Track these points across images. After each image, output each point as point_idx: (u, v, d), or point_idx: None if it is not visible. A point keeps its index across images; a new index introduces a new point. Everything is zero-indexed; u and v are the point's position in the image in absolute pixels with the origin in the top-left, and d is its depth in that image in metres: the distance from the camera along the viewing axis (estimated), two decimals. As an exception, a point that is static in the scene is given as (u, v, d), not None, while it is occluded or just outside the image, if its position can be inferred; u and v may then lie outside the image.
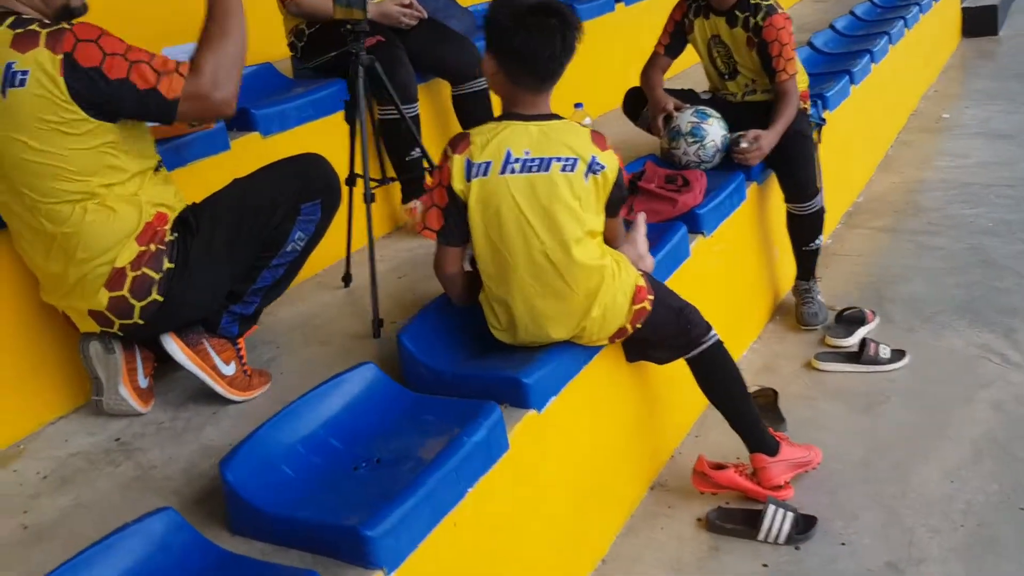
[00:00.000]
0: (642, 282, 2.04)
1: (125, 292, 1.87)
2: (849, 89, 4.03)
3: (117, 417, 2.05)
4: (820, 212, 3.02)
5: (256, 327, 2.16)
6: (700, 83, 3.43)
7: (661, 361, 2.23)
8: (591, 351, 2.08)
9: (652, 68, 3.25)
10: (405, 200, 3.00)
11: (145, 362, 2.06)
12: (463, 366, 2.01)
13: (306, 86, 2.95)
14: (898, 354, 2.79)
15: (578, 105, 3.28)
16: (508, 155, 1.91)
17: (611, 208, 2.00)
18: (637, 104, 3.32)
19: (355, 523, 1.47)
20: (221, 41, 1.87)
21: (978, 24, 7.38)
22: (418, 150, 2.86)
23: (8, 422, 2.02)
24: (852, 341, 2.93)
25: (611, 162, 1.95)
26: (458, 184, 1.92)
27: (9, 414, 2.02)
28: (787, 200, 3.04)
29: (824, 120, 3.41)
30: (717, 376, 2.22)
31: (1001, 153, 4.60)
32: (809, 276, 3.13)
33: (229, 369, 2.04)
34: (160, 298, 1.89)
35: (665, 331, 2.12)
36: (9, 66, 1.73)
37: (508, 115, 1.97)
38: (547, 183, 1.90)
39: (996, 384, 2.61)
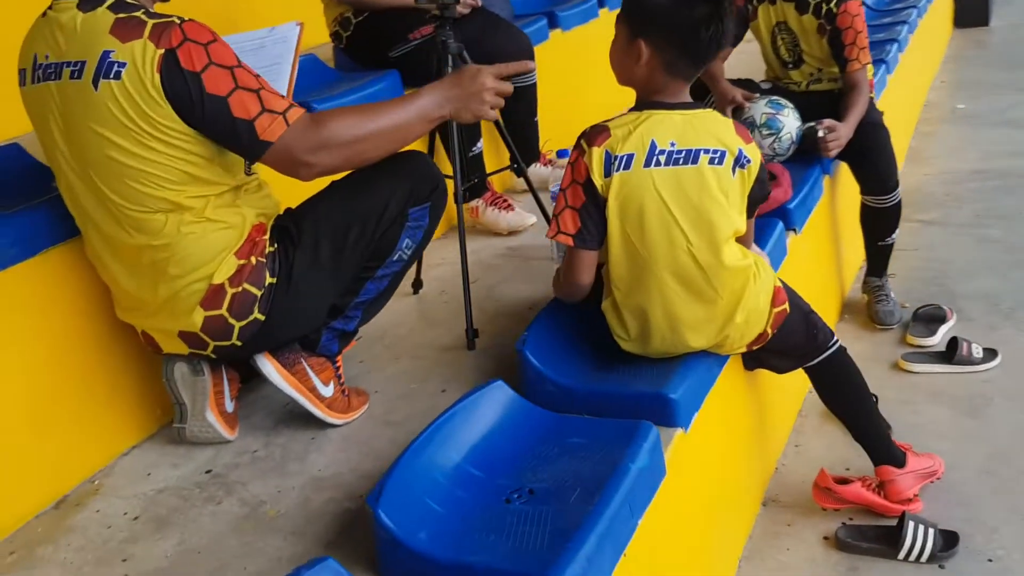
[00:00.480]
0: (778, 283, 1.89)
1: (223, 311, 1.66)
2: (887, 79, 3.92)
3: (200, 446, 1.86)
4: (899, 205, 2.90)
5: (355, 342, 1.96)
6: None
7: (782, 370, 2.08)
8: (722, 359, 1.92)
9: None
10: (467, 199, 2.81)
11: (231, 384, 1.86)
12: (595, 381, 1.84)
13: (356, 79, 2.75)
14: (990, 353, 2.67)
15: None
16: (653, 146, 1.74)
17: (752, 206, 1.84)
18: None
19: (538, 570, 1.29)
20: (372, 119, 1.67)
21: (970, 14, 7.38)
22: (479, 145, 2.69)
23: (79, 455, 1.81)
24: (936, 340, 2.81)
25: (755, 156, 1.79)
26: (598, 179, 1.74)
27: (80, 446, 1.81)
28: (865, 193, 2.91)
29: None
30: (842, 385, 2.07)
31: (1028, 143, 4.55)
32: (882, 272, 3.01)
33: (328, 390, 1.84)
34: (262, 317, 1.68)
35: (794, 337, 1.97)
36: (106, 55, 1.52)
37: (648, 103, 1.80)
38: (695, 177, 1.74)
39: (1098, 382, 2.50)
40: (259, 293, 1.67)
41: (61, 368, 1.77)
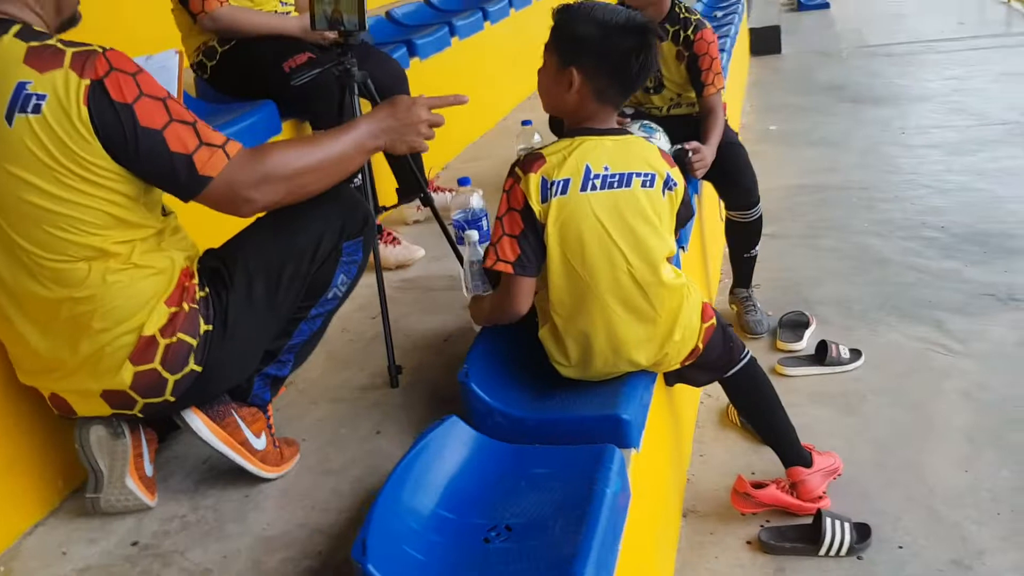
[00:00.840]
0: (705, 299, 1.95)
1: (156, 364, 1.51)
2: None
3: (118, 516, 1.68)
4: (761, 218, 3.08)
5: (284, 389, 1.84)
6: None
7: (700, 383, 2.15)
8: (653, 377, 1.96)
9: None
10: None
11: (150, 444, 1.71)
12: (543, 409, 1.82)
13: (230, 111, 2.59)
14: (855, 353, 2.88)
15: (526, 122, 3.14)
16: (588, 170, 1.77)
17: (678, 227, 1.90)
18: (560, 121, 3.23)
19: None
20: (312, 151, 1.60)
21: (764, 44, 8.05)
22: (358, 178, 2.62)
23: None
24: (803, 344, 3.00)
25: (680, 180, 1.85)
26: (536, 205, 1.74)
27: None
28: (731, 208, 3.07)
29: None
30: (756, 393, 2.16)
31: (836, 159, 4.96)
32: (748, 284, 3.19)
33: (261, 442, 1.72)
34: (199, 368, 1.55)
35: (716, 351, 2.03)
36: (21, 87, 1.36)
37: (579, 130, 1.82)
38: (630, 199, 1.78)
39: (953, 374, 2.75)
40: (194, 342, 1.54)
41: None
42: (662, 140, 2.95)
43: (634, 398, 1.80)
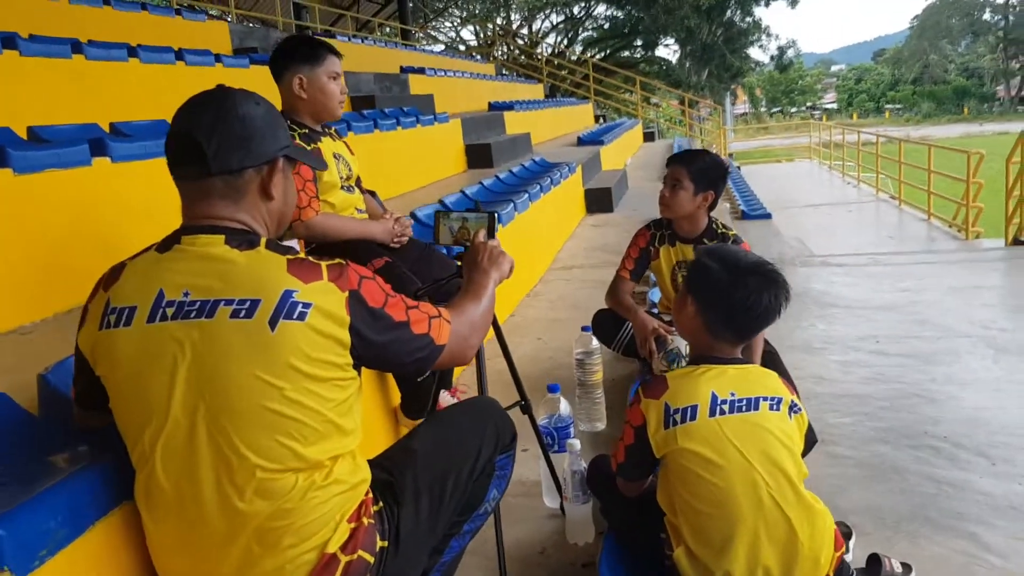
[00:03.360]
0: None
1: None
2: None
3: None
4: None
5: (426, 611, 1.77)
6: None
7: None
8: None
9: (621, 292, 3.32)
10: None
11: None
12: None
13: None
14: (906, 568, 2.90)
15: (586, 328, 3.23)
16: (714, 397, 1.83)
17: (804, 452, 1.96)
18: (610, 327, 3.34)
19: None
20: (476, 304, 1.80)
21: (597, 202, 9.49)
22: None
23: None
24: (851, 555, 3.01)
25: (802, 405, 1.93)
26: (655, 433, 1.79)
27: None
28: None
29: None
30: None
31: (823, 366, 5.15)
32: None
33: (409, 667, 1.64)
34: None
35: None
36: (288, 294, 1.38)
37: (704, 358, 1.90)
38: (761, 422, 1.83)
39: (1005, 589, 2.79)
40: (371, 560, 1.50)
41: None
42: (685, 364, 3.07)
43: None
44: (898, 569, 2.88)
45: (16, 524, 1.30)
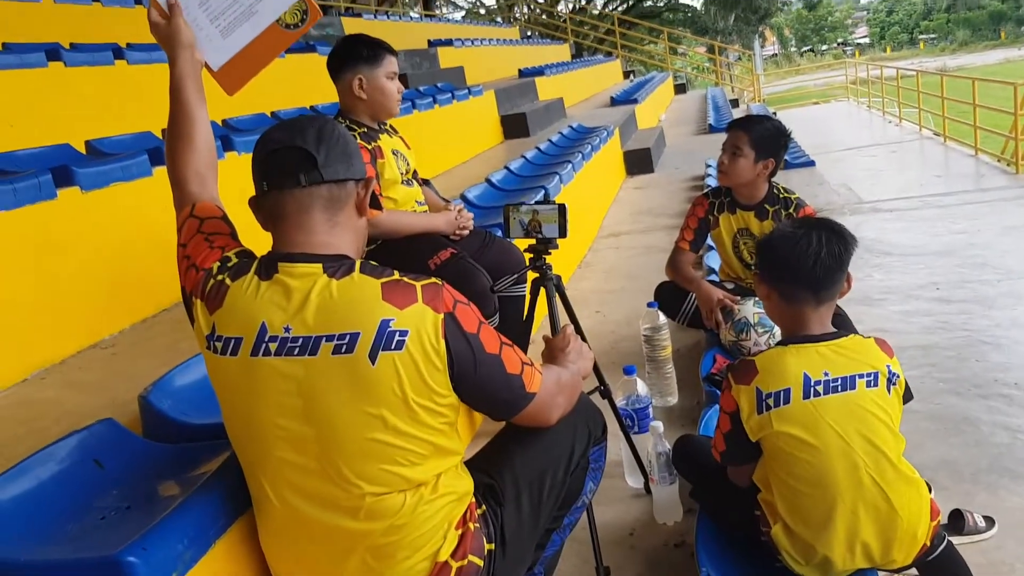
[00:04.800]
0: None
1: None
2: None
3: None
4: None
5: (530, 605, 1.82)
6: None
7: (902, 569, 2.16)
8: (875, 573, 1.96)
9: (682, 263, 3.31)
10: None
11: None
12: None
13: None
14: (989, 521, 2.89)
15: (652, 304, 3.24)
16: (807, 379, 1.83)
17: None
18: (673, 299, 3.34)
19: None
20: (564, 369, 1.81)
21: (637, 164, 9.43)
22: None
23: None
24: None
25: (900, 370, 1.92)
26: (748, 419, 1.80)
27: None
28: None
29: None
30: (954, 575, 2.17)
31: (885, 317, 5.09)
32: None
33: (522, 660, 1.69)
34: None
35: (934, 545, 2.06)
36: (385, 324, 1.40)
37: (793, 339, 1.90)
38: (859, 401, 1.83)
39: (1092, 538, 2.77)
40: (481, 563, 1.55)
41: None
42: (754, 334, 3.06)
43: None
44: (981, 523, 2.88)
45: (149, 552, 1.36)
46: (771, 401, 1.78)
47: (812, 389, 1.80)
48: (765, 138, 3.15)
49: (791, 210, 3.17)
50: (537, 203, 2.12)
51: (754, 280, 1.98)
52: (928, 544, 1.93)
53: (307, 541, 1.49)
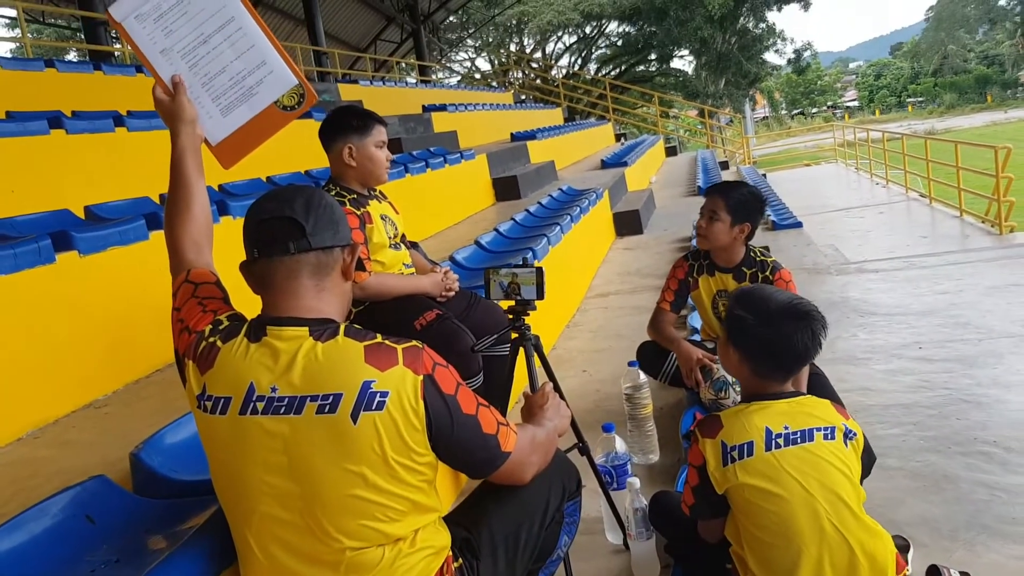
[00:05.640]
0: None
1: None
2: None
3: None
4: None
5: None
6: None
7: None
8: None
9: (663, 323, 3.41)
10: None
11: None
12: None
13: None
14: (966, 576, 2.95)
15: (632, 363, 3.33)
16: (768, 432, 1.91)
17: (863, 474, 2.03)
18: (655, 359, 3.43)
19: None
20: (538, 430, 1.85)
21: (627, 225, 9.69)
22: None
23: None
24: (910, 569, 3.06)
25: (858, 429, 2.01)
26: (714, 470, 1.88)
27: None
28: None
29: None
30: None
31: (868, 376, 5.18)
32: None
33: None
34: None
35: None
36: (367, 385, 1.48)
37: (756, 396, 1.99)
38: (817, 452, 1.91)
39: (1067, 594, 2.82)
40: None
41: None
42: (733, 393, 3.14)
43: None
44: (958, 579, 2.93)
45: (137, 604, 1.43)
46: (735, 453, 1.86)
47: (773, 441, 1.88)
48: (741, 203, 3.27)
49: (767, 272, 3.27)
50: (516, 266, 2.22)
51: (720, 343, 2.08)
52: (895, 599, 1.99)
53: None
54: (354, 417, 1.49)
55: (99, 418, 3.09)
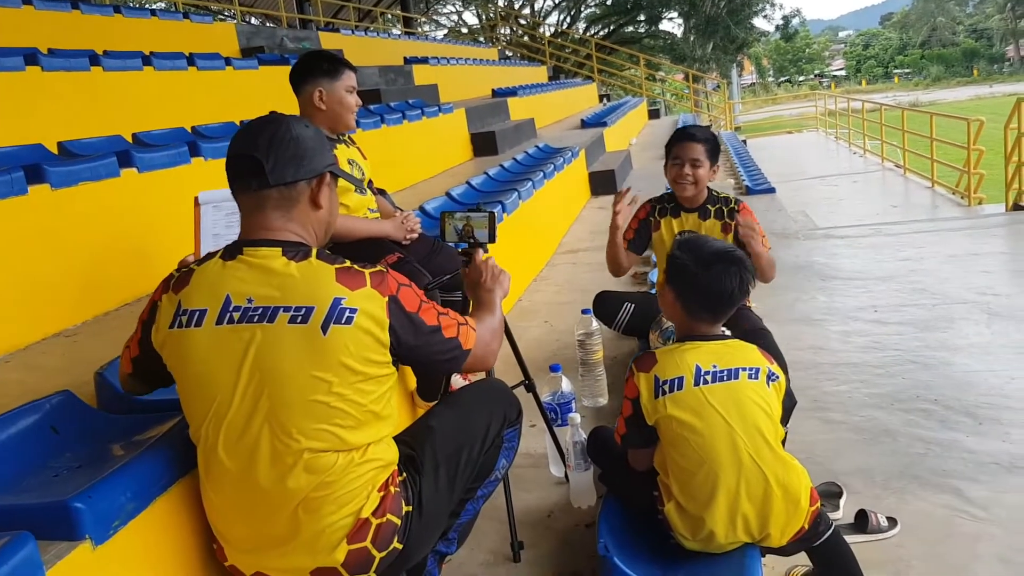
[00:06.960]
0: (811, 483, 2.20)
1: (367, 543, 1.71)
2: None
3: None
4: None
5: (445, 564, 2.02)
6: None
7: (789, 553, 2.36)
8: (757, 550, 2.17)
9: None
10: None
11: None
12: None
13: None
14: (892, 521, 3.12)
15: (586, 311, 3.44)
16: (698, 369, 2.05)
17: (784, 415, 2.17)
18: (609, 308, 3.56)
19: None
20: (491, 317, 2.02)
21: (601, 184, 9.81)
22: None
23: None
24: (841, 513, 3.23)
25: (781, 373, 2.14)
26: (646, 402, 2.01)
27: None
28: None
29: None
30: (839, 559, 2.37)
31: (822, 336, 5.35)
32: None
33: (433, 618, 1.88)
34: (400, 545, 1.75)
35: (815, 528, 2.26)
36: (337, 302, 1.62)
37: (688, 337, 2.12)
38: (740, 389, 2.05)
39: (983, 539, 2.99)
40: (399, 522, 1.74)
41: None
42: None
43: (754, 571, 2.01)
44: (884, 523, 3.11)
45: (94, 500, 1.54)
46: (667, 387, 2.00)
47: (702, 378, 2.03)
48: (715, 146, 3.43)
49: (733, 206, 3.40)
50: (470, 210, 2.32)
51: (659, 284, 2.20)
52: (807, 527, 2.14)
53: (249, 495, 1.67)
54: (324, 328, 1.62)
55: (67, 345, 3.19)
